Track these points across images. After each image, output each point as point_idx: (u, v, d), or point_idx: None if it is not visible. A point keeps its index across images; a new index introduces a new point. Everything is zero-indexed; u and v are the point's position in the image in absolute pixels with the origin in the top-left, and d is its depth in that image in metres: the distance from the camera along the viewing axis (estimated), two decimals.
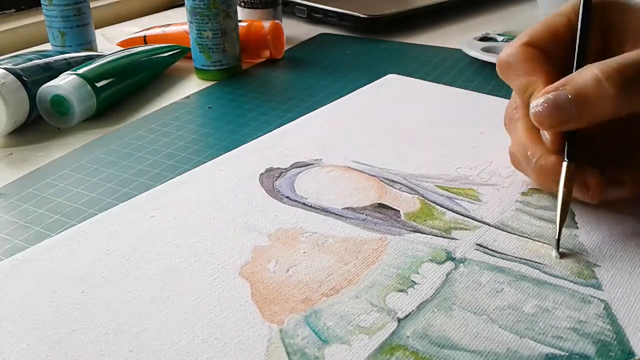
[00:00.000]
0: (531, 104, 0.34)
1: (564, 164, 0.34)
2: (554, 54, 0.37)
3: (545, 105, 0.33)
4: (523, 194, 0.38)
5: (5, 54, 0.63)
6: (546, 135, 0.35)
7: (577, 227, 0.35)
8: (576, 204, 0.37)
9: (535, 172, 0.36)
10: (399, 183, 0.40)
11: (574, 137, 0.34)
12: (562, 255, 0.33)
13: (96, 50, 0.68)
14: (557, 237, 0.33)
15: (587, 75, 0.32)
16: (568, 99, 0.33)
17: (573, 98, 0.33)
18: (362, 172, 0.41)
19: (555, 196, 0.35)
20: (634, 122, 0.35)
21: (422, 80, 0.58)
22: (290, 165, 0.42)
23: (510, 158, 0.40)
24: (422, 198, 0.38)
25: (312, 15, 0.81)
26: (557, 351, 0.27)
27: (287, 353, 0.27)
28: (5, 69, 0.50)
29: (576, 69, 0.35)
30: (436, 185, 0.39)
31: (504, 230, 0.35)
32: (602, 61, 0.33)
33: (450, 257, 0.33)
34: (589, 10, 0.37)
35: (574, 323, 0.28)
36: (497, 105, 0.51)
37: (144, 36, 0.70)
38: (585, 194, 0.35)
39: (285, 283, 0.31)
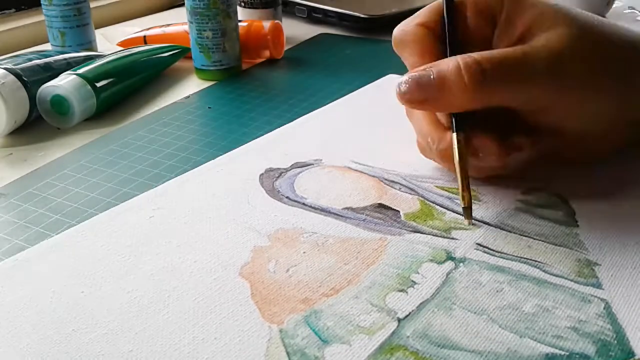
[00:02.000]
0: (400, 80, 0.36)
1: (453, 135, 0.36)
2: (443, 36, 0.38)
3: (410, 81, 0.36)
4: (523, 193, 0.38)
5: (5, 54, 0.63)
6: (443, 115, 0.37)
7: (577, 226, 0.35)
8: (575, 202, 0.37)
9: (439, 157, 0.39)
10: (399, 183, 0.40)
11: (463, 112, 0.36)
12: (473, 224, 0.35)
13: (96, 50, 0.68)
14: (463, 205, 0.35)
15: (452, 62, 0.35)
16: (430, 79, 0.35)
17: (435, 80, 0.35)
18: (362, 172, 0.41)
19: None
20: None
21: None
22: (290, 166, 0.42)
23: (418, 148, 0.41)
24: (422, 198, 0.38)
25: (312, 15, 0.81)
26: (557, 351, 0.27)
27: (287, 353, 0.27)
28: (5, 69, 0.50)
29: (449, 54, 0.37)
30: (436, 186, 0.39)
31: (503, 230, 0.35)
32: (468, 53, 0.35)
33: (450, 257, 0.33)
34: (451, 4, 0.38)
35: (574, 322, 0.28)
36: None
37: (144, 36, 0.70)
38: (489, 158, 0.36)
39: (285, 283, 0.31)
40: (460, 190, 0.36)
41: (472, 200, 0.37)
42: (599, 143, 0.38)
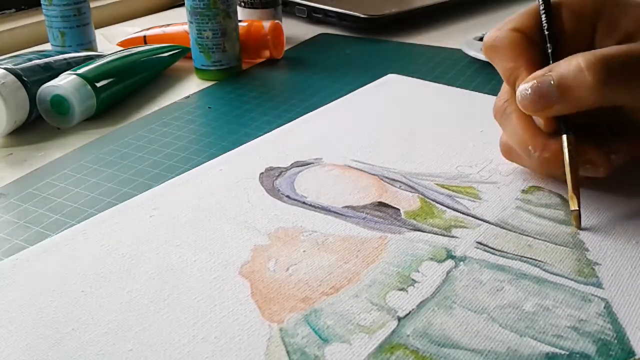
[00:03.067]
0: (518, 89, 0.35)
1: (564, 137, 0.35)
2: (538, 40, 0.38)
3: (531, 90, 0.35)
4: (523, 191, 0.38)
5: (5, 54, 0.63)
6: (539, 119, 0.36)
7: None
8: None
9: (540, 164, 0.37)
10: (399, 182, 0.40)
11: (566, 115, 0.36)
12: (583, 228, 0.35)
13: (96, 50, 0.68)
14: (577, 208, 0.35)
15: (571, 63, 0.34)
16: (551, 85, 0.34)
17: (556, 84, 0.34)
18: (362, 170, 0.41)
19: (561, 183, 0.36)
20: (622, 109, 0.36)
21: (422, 80, 0.58)
22: (290, 165, 0.42)
23: (501, 148, 0.40)
24: (422, 196, 0.38)
25: (312, 15, 0.81)
26: (557, 350, 0.27)
27: (287, 352, 0.27)
28: (5, 69, 0.50)
29: (552, 57, 0.37)
30: (436, 184, 0.39)
31: (504, 228, 0.35)
32: (588, 52, 0.34)
33: (450, 256, 0.33)
34: (549, 4, 0.38)
35: (575, 322, 0.28)
36: None
37: (144, 36, 0.70)
38: (595, 170, 0.36)
39: (285, 282, 0.31)
40: (570, 192, 0.35)
41: (473, 199, 0.37)
42: None
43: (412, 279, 0.31)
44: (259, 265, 0.32)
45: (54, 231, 0.37)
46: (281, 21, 0.72)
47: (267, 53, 0.67)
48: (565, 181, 0.36)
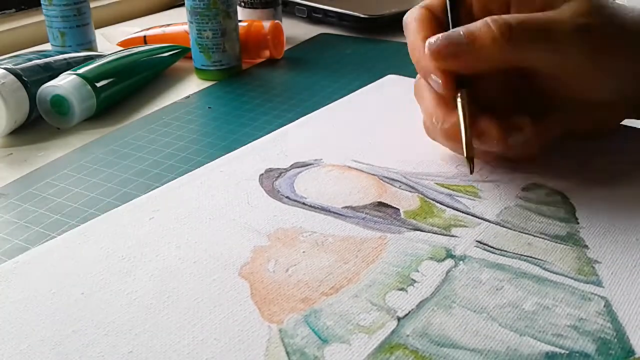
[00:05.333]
0: (428, 41, 0.37)
1: (458, 95, 0.37)
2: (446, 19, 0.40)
3: (440, 38, 0.37)
4: (523, 189, 0.38)
5: (5, 54, 0.63)
6: (438, 82, 0.38)
7: (578, 223, 0.35)
8: (576, 199, 0.37)
9: (442, 136, 0.40)
10: (399, 181, 0.40)
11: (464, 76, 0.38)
12: (473, 171, 0.37)
13: (96, 50, 0.68)
14: (466, 155, 0.37)
15: (479, 21, 0.37)
16: (460, 34, 0.37)
17: (465, 35, 0.36)
18: (361, 171, 0.41)
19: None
20: (526, 76, 0.38)
21: None
22: (290, 166, 0.42)
23: (424, 129, 0.42)
24: (422, 196, 0.38)
25: (312, 15, 0.81)
26: (557, 349, 0.27)
27: (287, 353, 0.27)
28: (5, 69, 0.50)
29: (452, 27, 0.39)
30: (436, 183, 0.39)
31: (504, 227, 0.35)
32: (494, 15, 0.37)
33: (450, 255, 0.33)
34: None
35: (574, 321, 0.28)
36: None
37: (144, 36, 0.70)
38: (490, 142, 0.37)
39: (284, 283, 0.31)
40: (463, 142, 0.37)
41: (472, 197, 0.37)
42: (612, 114, 0.41)
43: (412, 279, 0.31)
44: (259, 266, 0.32)
45: (54, 231, 0.37)
46: (281, 21, 0.72)
47: (267, 53, 0.67)
48: (557, 177, 0.37)
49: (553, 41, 0.36)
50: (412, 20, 0.40)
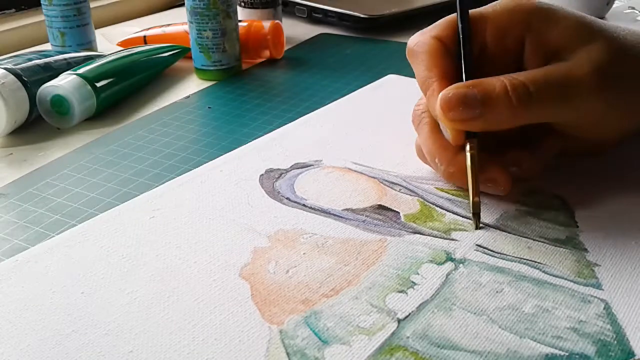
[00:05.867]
0: (440, 96, 0.35)
1: (467, 144, 0.36)
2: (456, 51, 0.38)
3: (454, 98, 0.35)
4: (522, 194, 0.38)
5: (5, 54, 0.63)
6: (447, 131, 0.37)
7: (577, 227, 0.35)
8: (576, 202, 0.37)
9: (445, 177, 0.39)
10: (399, 185, 0.40)
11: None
12: (479, 227, 0.35)
13: (96, 50, 0.68)
14: (472, 211, 0.35)
15: (496, 82, 0.35)
16: (475, 97, 0.35)
17: (480, 99, 0.34)
18: (362, 173, 0.41)
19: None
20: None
21: None
22: (291, 166, 0.42)
23: (415, 150, 0.41)
24: (422, 200, 0.38)
25: (312, 15, 0.81)
26: (557, 351, 0.27)
27: (287, 354, 0.27)
28: (5, 69, 0.50)
29: (465, 74, 0.37)
30: (436, 187, 0.39)
31: (503, 231, 0.35)
32: (512, 74, 0.35)
33: (450, 258, 0.33)
34: (467, 19, 0.38)
35: (574, 323, 0.28)
36: None
37: (144, 36, 0.70)
38: (496, 188, 0.37)
39: (285, 284, 0.31)
40: (471, 197, 0.35)
41: None
42: (614, 141, 0.40)
43: (412, 282, 0.31)
44: (259, 267, 0.32)
45: (54, 231, 0.37)
46: (281, 21, 0.72)
47: (267, 53, 0.67)
48: (556, 182, 0.37)
49: (572, 100, 0.35)
50: (422, 51, 0.38)
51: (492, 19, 0.38)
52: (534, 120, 0.36)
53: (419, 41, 0.39)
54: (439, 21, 0.39)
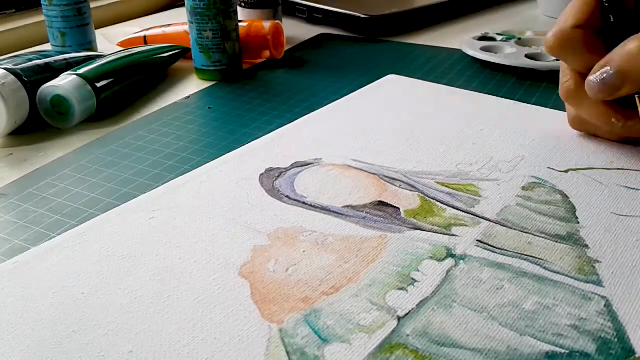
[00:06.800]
0: (586, 83, 0.39)
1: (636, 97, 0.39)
2: (597, 25, 0.40)
3: (594, 83, 0.39)
4: (523, 188, 0.38)
5: (5, 54, 0.63)
6: None
7: (578, 222, 0.35)
8: (576, 198, 0.37)
9: (626, 131, 0.41)
10: (399, 180, 0.40)
11: None
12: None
13: (96, 50, 0.68)
14: None
15: (624, 50, 0.37)
16: (611, 74, 0.38)
17: (615, 73, 0.38)
18: (361, 170, 0.41)
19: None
20: None
21: (421, 80, 0.58)
22: (290, 165, 0.42)
23: (571, 122, 0.45)
24: (422, 195, 0.38)
25: (312, 15, 0.81)
26: (557, 349, 0.27)
27: (287, 352, 0.27)
28: (5, 69, 0.50)
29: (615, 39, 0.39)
30: (436, 182, 0.39)
31: (504, 226, 0.35)
32: (636, 35, 0.37)
33: (450, 254, 0.33)
34: None
35: (575, 320, 0.28)
36: (497, 104, 0.51)
37: (144, 36, 0.70)
38: None
39: (284, 282, 0.31)
40: None
41: (473, 196, 0.37)
42: None
43: (412, 278, 0.31)
44: (259, 265, 0.32)
45: (54, 231, 0.37)
46: (281, 21, 0.72)
47: (267, 53, 0.67)
48: (557, 176, 0.37)
49: None
50: (570, 46, 0.40)
51: None
52: None
53: (562, 36, 0.40)
54: (569, 8, 0.41)
